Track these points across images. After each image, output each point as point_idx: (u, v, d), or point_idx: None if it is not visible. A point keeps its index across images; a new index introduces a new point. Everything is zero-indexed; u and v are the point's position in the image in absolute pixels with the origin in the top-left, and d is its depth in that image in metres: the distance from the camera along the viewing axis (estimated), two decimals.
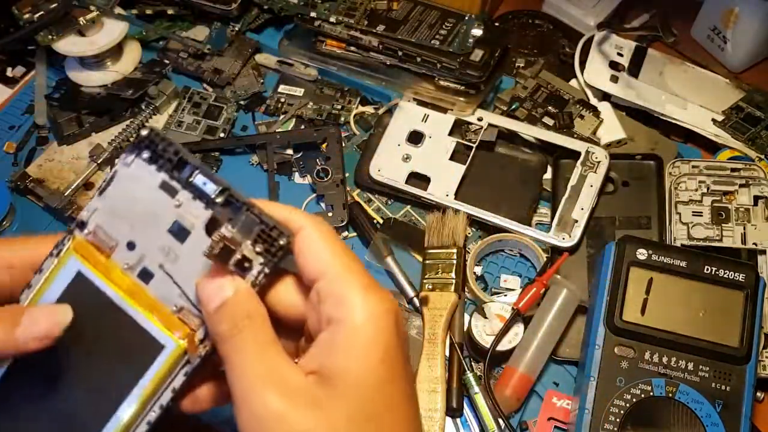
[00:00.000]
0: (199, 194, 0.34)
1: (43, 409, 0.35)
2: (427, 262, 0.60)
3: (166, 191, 0.34)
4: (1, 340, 0.32)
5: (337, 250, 0.32)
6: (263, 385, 0.30)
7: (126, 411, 0.34)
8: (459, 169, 0.63)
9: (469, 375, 0.55)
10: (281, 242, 0.32)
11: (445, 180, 0.63)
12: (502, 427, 0.53)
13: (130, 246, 0.35)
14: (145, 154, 0.34)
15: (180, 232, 0.34)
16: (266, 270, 0.33)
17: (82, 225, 0.35)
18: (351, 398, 0.29)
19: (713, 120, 0.68)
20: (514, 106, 0.68)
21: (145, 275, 0.34)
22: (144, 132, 0.34)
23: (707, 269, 0.52)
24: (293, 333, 0.34)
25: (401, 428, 0.31)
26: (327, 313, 0.31)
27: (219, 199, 0.33)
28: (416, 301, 0.59)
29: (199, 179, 0.34)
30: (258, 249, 0.33)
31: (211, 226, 0.33)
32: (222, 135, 0.68)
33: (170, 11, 0.73)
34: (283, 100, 0.71)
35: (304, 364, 0.31)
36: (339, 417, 0.29)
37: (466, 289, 0.59)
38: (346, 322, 0.30)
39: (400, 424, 0.31)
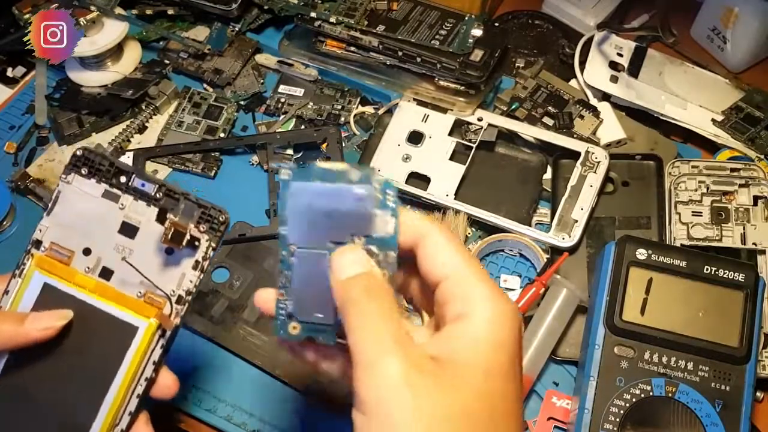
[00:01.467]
0: (140, 195, 0.39)
1: (36, 403, 0.39)
2: None
3: (109, 198, 0.40)
4: (11, 330, 0.37)
5: (465, 255, 0.33)
6: (388, 350, 0.30)
7: (114, 390, 0.39)
8: (459, 169, 0.63)
9: None
10: (221, 218, 0.39)
11: (445, 180, 0.63)
12: None
13: (86, 252, 0.40)
14: (84, 171, 0.40)
15: (129, 230, 0.40)
16: (212, 245, 0.39)
17: (37, 244, 0.40)
18: (472, 384, 0.29)
19: (713, 120, 0.68)
20: (514, 106, 0.68)
21: (106, 273, 0.40)
22: (78, 151, 0.40)
23: (707, 269, 0.52)
24: None
25: (510, 428, 0.31)
26: (454, 310, 0.32)
27: (159, 194, 0.39)
28: None
29: (137, 182, 0.39)
30: (202, 228, 0.39)
31: (160, 217, 0.38)
32: (222, 135, 0.68)
33: (170, 11, 0.73)
34: (283, 100, 0.71)
35: (425, 348, 0.31)
36: (457, 398, 0.29)
37: None
38: (476, 316, 0.31)
39: (510, 425, 0.31)
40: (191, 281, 0.39)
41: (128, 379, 0.39)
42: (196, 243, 0.39)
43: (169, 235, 0.37)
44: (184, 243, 0.38)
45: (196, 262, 0.39)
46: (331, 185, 0.33)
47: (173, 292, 0.40)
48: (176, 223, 0.38)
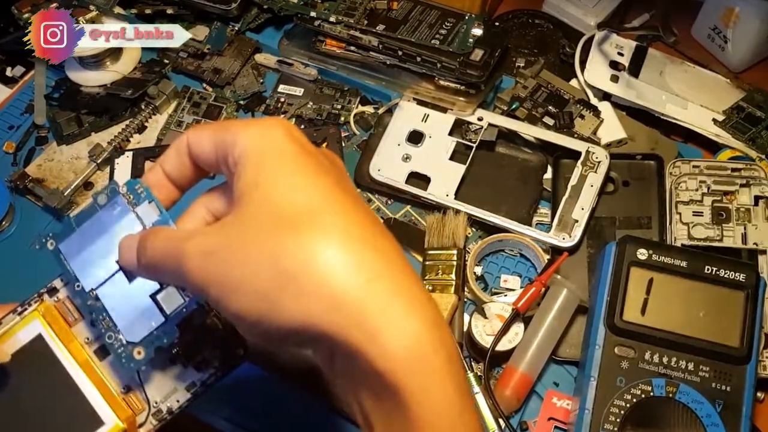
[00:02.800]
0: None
1: None
2: (427, 263, 0.60)
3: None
4: None
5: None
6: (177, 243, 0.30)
7: None
8: (459, 169, 0.63)
9: (470, 375, 0.55)
10: (239, 352, 0.38)
11: (445, 180, 0.63)
12: (502, 427, 0.53)
13: (93, 323, 0.37)
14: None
15: None
16: (219, 375, 0.37)
17: (52, 291, 0.38)
18: (257, 200, 0.29)
19: (714, 120, 0.68)
20: (514, 106, 0.68)
21: (102, 351, 0.37)
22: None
23: (708, 269, 0.52)
24: None
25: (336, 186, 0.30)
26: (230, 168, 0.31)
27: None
28: None
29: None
30: (216, 354, 0.38)
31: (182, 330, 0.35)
32: None
33: (170, 11, 0.73)
34: (282, 99, 0.71)
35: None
36: (248, 218, 0.29)
37: (466, 290, 0.59)
38: (239, 156, 0.30)
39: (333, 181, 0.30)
40: (178, 401, 0.37)
41: None
42: (203, 367, 0.37)
43: (181, 349, 0.36)
44: (192, 362, 0.37)
45: (193, 384, 0.37)
46: (91, 221, 0.35)
47: (156, 403, 0.37)
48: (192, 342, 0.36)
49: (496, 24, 0.69)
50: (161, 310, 0.34)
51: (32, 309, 0.37)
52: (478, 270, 0.61)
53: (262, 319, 0.28)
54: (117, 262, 0.34)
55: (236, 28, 0.73)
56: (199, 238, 0.30)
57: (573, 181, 0.62)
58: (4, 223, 0.63)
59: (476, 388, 0.54)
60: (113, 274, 0.35)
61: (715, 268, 0.51)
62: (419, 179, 0.64)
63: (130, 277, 0.34)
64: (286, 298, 0.27)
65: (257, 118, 0.31)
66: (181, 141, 0.34)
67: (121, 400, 0.36)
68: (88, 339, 0.38)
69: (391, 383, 0.27)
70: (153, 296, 0.34)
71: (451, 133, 0.65)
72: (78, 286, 0.35)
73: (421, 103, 0.67)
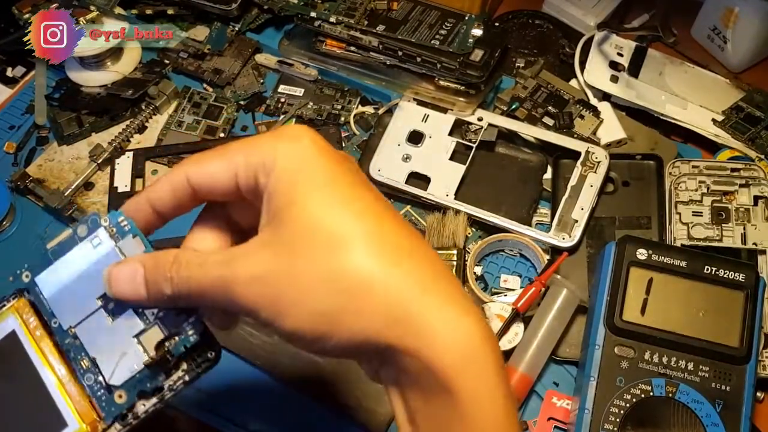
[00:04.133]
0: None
1: None
2: None
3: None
4: None
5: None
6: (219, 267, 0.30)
7: None
8: (459, 169, 0.63)
9: None
10: (209, 355, 0.34)
11: (445, 180, 0.63)
12: None
13: (70, 363, 0.35)
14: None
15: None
16: (187, 378, 0.34)
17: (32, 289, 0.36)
18: (297, 218, 0.29)
19: (713, 120, 0.68)
20: (514, 106, 0.68)
21: (69, 346, 0.35)
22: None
23: (707, 269, 0.52)
24: None
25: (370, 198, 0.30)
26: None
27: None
28: None
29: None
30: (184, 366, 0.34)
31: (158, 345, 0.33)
32: (222, 135, 0.68)
33: (170, 11, 0.73)
34: (283, 100, 0.71)
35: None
36: (287, 234, 0.29)
37: (466, 289, 0.59)
38: (269, 176, 0.30)
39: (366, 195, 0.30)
40: (144, 405, 0.34)
41: None
42: (172, 371, 0.34)
43: (155, 359, 0.33)
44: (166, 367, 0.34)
45: (159, 388, 0.34)
46: (70, 253, 0.33)
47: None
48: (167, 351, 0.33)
49: (496, 24, 0.69)
50: (145, 351, 0.32)
51: (9, 305, 0.36)
52: (478, 270, 0.61)
53: (323, 337, 0.28)
54: (100, 298, 0.33)
55: (236, 29, 0.73)
56: (243, 261, 0.29)
57: (573, 181, 0.62)
58: (4, 223, 0.63)
59: None
60: (94, 312, 0.33)
61: (714, 268, 0.52)
62: (419, 179, 0.64)
63: (114, 314, 0.33)
64: (346, 317, 0.28)
65: (277, 130, 0.31)
66: (176, 176, 0.32)
67: (87, 403, 0.35)
68: (60, 339, 0.36)
69: (444, 381, 0.27)
70: (137, 336, 0.32)
71: (451, 134, 0.65)
72: (55, 322, 0.33)
73: (421, 103, 0.67)
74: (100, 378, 0.33)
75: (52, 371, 0.35)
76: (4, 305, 0.36)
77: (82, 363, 0.33)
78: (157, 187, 0.33)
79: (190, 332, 0.33)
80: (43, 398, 0.35)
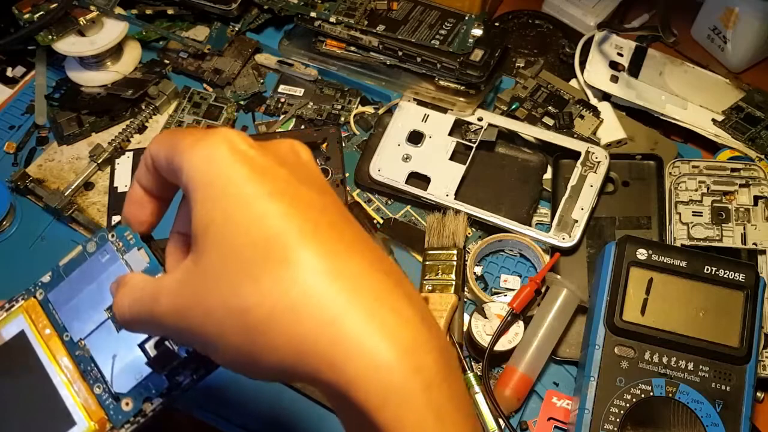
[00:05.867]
0: None
1: None
2: (427, 263, 0.60)
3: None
4: None
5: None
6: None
7: None
8: (459, 169, 0.63)
9: (470, 374, 0.55)
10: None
11: (445, 180, 0.63)
12: (502, 427, 0.53)
13: (83, 374, 0.36)
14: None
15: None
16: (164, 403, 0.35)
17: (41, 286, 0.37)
18: (211, 242, 0.27)
19: (713, 120, 0.68)
20: (514, 106, 0.68)
21: (79, 358, 0.36)
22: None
23: (707, 269, 0.52)
24: None
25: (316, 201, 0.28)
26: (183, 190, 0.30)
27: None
28: None
29: None
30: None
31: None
32: None
33: (170, 11, 0.73)
34: (283, 100, 0.71)
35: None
36: (209, 259, 0.27)
37: (466, 289, 0.59)
38: (186, 187, 0.28)
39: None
40: (151, 404, 0.35)
41: None
42: (179, 371, 0.35)
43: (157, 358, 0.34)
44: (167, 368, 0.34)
45: (167, 388, 0.35)
46: (80, 269, 0.34)
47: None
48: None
49: (496, 24, 0.69)
50: (149, 359, 0.33)
51: (18, 306, 0.37)
52: (478, 270, 0.61)
53: (249, 371, 0.28)
54: (107, 309, 0.34)
55: (236, 29, 0.73)
56: (165, 295, 0.28)
57: (573, 181, 0.62)
58: (4, 223, 0.63)
59: (476, 388, 0.54)
60: (101, 324, 0.34)
61: (714, 268, 0.52)
62: (419, 179, 0.64)
63: (119, 326, 0.34)
64: (259, 353, 0.26)
65: (199, 134, 0.29)
66: (145, 154, 0.31)
67: (95, 401, 0.36)
68: (68, 338, 0.37)
69: (368, 415, 0.26)
70: (141, 345, 0.33)
71: (451, 134, 0.65)
72: (66, 336, 0.35)
73: (421, 103, 0.67)
74: (108, 387, 0.34)
75: (60, 370, 0.36)
76: (13, 306, 0.37)
77: (91, 374, 0.34)
78: (139, 167, 0.32)
79: None
80: (52, 397, 0.36)
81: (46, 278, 0.36)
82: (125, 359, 0.34)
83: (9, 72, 0.74)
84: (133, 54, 0.71)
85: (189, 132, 0.29)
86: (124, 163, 0.66)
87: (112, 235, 0.34)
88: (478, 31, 0.66)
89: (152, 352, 0.33)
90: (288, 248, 0.26)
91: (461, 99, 0.66)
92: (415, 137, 0.65)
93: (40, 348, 0.36)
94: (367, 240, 0.28)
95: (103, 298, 0.34)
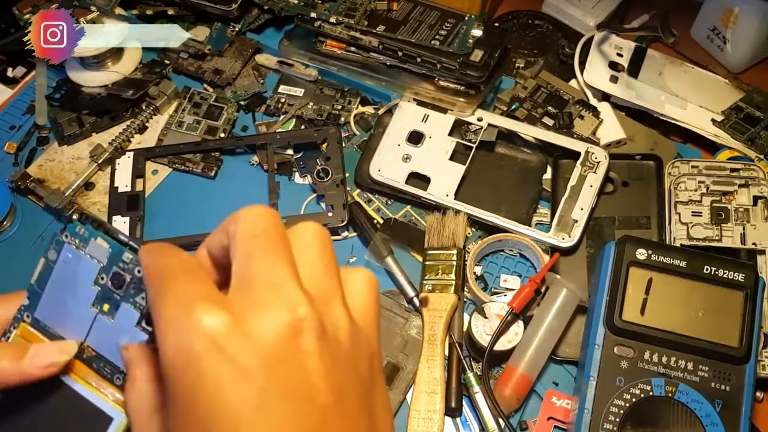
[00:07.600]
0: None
1: None
2: (427, 263, 0.60)
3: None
4: (9, 367, 0.33)
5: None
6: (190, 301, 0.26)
7: None
8: (459, 169, 0.63)
9: (470, 374, 0.55)
10: None
11: (445, 180, 0.63)
12: (502, 427, 0.53)
13: (99, 372, 0.35)
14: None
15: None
16: None
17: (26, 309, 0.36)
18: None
19: (713, 120, 0.68)
20: (514, 106, 0.68)
21: (89, 359, 0.36)
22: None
23: (707, 269, 0.52)
24: None
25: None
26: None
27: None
28: (416, 301, 0.59)
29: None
30: None
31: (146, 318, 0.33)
32: (222, 135, 0.68)
33: (170, 11, 0.73)
34: (283, 100, 0.71)
35: None
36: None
37: (465, 289, 0.60)
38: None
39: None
40: None
41: None
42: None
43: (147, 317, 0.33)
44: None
45: None
46: (51, 279, 0.34)
47: None
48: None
49: (496, 24, 0.69)
50: (149, 334, 0.33)
51: (13, 335, 0.36)
52: (478, 270, 0.61)
53: None
54: (93, 305, 0.34)
55: (237, 29, 0.73)
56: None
57: (572, 181, 0.62)
58: (5, 223, 0.63)
59: (476, 388, 0.54)
60: (93, 321, 0.34)
61: (714, 268, 0.52)
62: (419, 179, 0.64)
63: (110, 314, 0.34)
64: None
65: (180, 306, 0.27)
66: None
67: (119, 391, 0.36)
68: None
69: None
70: (138, 324, 0.33)
71: (451, 134, 0.66)
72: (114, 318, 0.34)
73: (421, 103, 0.67)
74: (125, 374, 0.34)
75: (77, 377, 0.36)
76: (9, 337, 0.37)
77: (106, 369, 0.34)
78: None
79: None
80: (80, 404, 0.36)
81: (25, 301, 0.35)
82: (129, 343, 0.34)
83: (9, 72, 0.74)
84: (133, 54, 0.71)
85: (170, 291, 0.27)
86: (124, 163, 0.66)
87: (66, 236, 0.34)
88: (477, 32, 0.66)
89: (150, 328, 0.33)
90: None
91: (461, 99, 0.66)
92: (415, 137, 0.66)
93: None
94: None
95: (85, 297, 0.34)
